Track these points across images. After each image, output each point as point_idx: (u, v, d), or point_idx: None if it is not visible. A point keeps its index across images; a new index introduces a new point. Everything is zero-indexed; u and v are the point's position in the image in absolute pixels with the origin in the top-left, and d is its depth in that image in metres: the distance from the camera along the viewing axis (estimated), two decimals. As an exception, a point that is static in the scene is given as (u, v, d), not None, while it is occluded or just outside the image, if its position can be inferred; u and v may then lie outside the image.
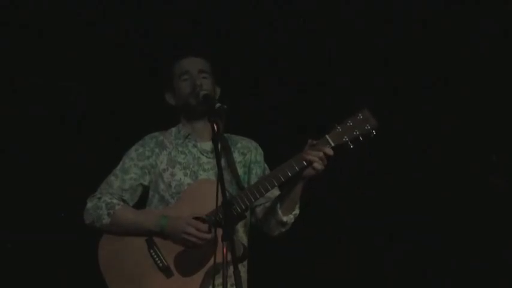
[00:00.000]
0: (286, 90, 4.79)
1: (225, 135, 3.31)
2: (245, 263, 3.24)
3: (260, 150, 3.40)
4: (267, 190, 3.07)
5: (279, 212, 3.15)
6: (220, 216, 2.96)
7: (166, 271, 3.08)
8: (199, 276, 3.05)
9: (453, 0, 4.64)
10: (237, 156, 3.30)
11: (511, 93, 4.69)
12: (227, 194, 2.83)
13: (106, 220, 3.18)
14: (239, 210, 3.05)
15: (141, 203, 3.33)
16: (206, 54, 3.37)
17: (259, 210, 3.28)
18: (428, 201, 4.74)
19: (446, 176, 4.74)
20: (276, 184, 3.07)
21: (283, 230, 3.22)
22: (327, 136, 3.04)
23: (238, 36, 4.67)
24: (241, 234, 3.23)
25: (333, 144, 3.03)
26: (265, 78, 4.77)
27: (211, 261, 2.97)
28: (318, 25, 4.71)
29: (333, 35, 4.74)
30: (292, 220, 3.20)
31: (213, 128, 2.90)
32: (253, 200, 3.07)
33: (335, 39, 4.74)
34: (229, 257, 2.65)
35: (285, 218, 3.16)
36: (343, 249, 4.80)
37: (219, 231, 2.92)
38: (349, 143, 3.04)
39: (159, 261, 3.09)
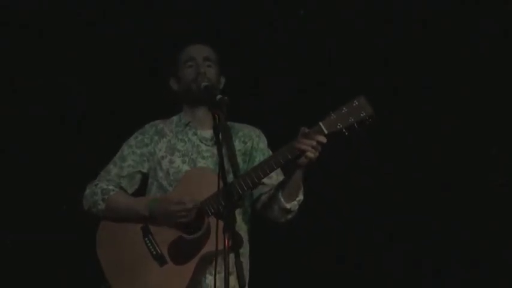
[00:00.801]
0: (286, 90, 4.78)
1: (228, 123, 3.29)
2: (245, 252, 3.25)
3: (263, 138, 3.39)
4: (260, 178, 3.06)
5: (281, 199, 3.14)
6: (215, 206, 2.98)
7: (160, 259, 3.11)
8: (192, 264, 3.06)
9: (453, 0, 4.64)
10: (237, 145, 3.30)
11: (511, 94, 4.68)
12: (221, 183, 2.82)
13: (101, 206, 3.22)
14: (232, 199, 3.03)
15: (142, 191, 3.34)
16: (213, 43, 3.38)
17: (264, 198, 3.27)
18: (428, 201, 4.73)
19: (446, 175, 4.73)
20: (269, 172, 3.05)
21: (289, 216, 3.21)
22: (321, 123, 3.01)
23: (238, 35, 4.67)
24: (239, 222, 3.21)
25: (326, 132, 2.99)
26: (265, 78, 4.76)
27: (205, 249, 3.01)
28: (317, 25, 4.71)
29: (333, 34, 4.73)
30: (297, 206, 3.19)
31: (215, 118, 2.90)
32: (245, 188, 3.06)
33: (335, 39, 4.73)
34: (220, 246, 2.65)
35: (288, 205, 3.15)
36: (344, 242, 4.79)
37: (213, 220, 2.95)
38: (344, 130, 2.99)
39: (152, 249, 3.12)
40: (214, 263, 2.95)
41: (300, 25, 4.75)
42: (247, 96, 4.60)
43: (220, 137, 2.85)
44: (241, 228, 3.23)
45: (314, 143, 2.97)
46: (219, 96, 2.98)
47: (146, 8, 4.66)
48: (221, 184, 2.75)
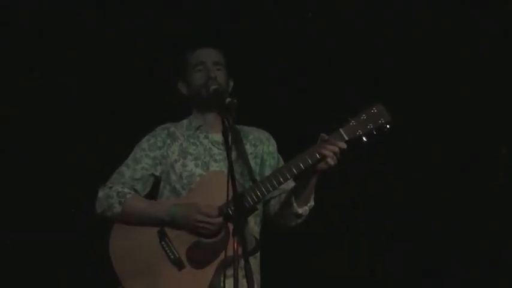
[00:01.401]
0: (286, 90, 4.79)
1: (237, 126, 3.30)
2: (257, 255, 3.24)
3: (273, 141, 3.40)
4: (280, 183, 3.07)
5: (294, 204, 3.15)
6: (231, 210, 2.97)
7: (177, 263, 3.09)
8: (211, 269, 3.04)
9: (453, 0, 4.64)
10: (248, 148, 3.30)
11: (509, 93, 4.69)
12: (239, 187, 2.84)
13: (117, 209, 3.18)
14: (251, 203, 3.05)
15: (153, 195, 3.32)
16: (221, 47, 3.37)
17: (274, 203, 3.28)
18: (428, 201, 4.73)
19: (446, 176, 4.73)
20: (289, 177, 3.07)
21: (299, 221, 3.23)
22: (341, 130, 3.03)
23: (239, 35, 4.67)
24: (252, 225, 3.22)
25: (347, 138, 3.02)
26: (268, 78, 4.76)
27: (223, 254, 2.99)
28: (319, 25, 4.72)
29: (334, 34, 4.74)
30: (308, 212, 3.20)
31: (224, 122, 2.91)
32: (265, 193, 3.07)
33: (335, 39, 4.74)
34: (240, 250, 2.65)
35: (300, 210, 3.16)
36: (351, 246, 4.79)
37: (231, 224, 2.95)
38: (363, 137, 3.03)
39: (170, 253, 3.09)
40: (230, 267, 2.91)
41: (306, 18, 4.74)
42: (254, 95, 4.59)
43: (229, 140, 2.85)
44: (254, 231, 3.23)
45: (336, 149, 2.99)
46: (228, 100, 2.99)
47: (146, 7, 4.66)
48: (231, 187, 2.75)
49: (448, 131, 4.70)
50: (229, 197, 2.80)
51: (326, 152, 2.99)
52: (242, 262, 2.68)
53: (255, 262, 3.23)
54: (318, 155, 3.01)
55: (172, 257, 3.09)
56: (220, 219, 3.02)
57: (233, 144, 3.15)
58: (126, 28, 4.66)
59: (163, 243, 3.11)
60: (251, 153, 3.30)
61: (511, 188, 4.67)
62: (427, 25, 4.67)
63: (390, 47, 4.70)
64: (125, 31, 4.66)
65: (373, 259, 4.79)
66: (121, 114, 4.68)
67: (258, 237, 3.24)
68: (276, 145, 3.40)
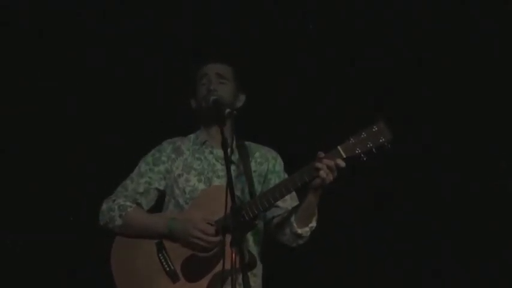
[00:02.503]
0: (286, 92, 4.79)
1: (246, 143, 3.34)
2: (258, 272, 3.25)
3: (280, 160, 3.40)
4: (276, 199, 3.06)
5: (294, 224, 3.15)
6: (229, 222, 2.94)
7: (173, 275, 3.11)
8: (205, 282, 3.06)
9: (453, 0, 4.64)
10: (253, 166, 3.31)
11: (509, 93, 4.69)
12: (238, 201, 2.84)
13: (118, 222, 3.23)
14: (246, 218, 3.04)
15: (159, 209, 3.36)
16: (229, 61, 3.39)
17: (276, 221, 3.28)
18: (428, 201, 4.73)
19: (447, 176, 4.73)
20: (285, 193, 3.06)
21: (301, 242, 3.22)
22: (339, 147, 3.02)
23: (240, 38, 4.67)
24: (251, 243, 3.24)
25: (344, 156, 3.01)
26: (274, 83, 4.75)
27: (218, 267, 3.00)
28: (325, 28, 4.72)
29: (337, 38, 4.74)
30: (309, 233, 3.19)
31: (223, 133, 2.92)
32: (260, 209, 3.06)
33: (340, 44, 4.74)
34: (237, 264, 2.63)
35: (299, 230, 3.15)
36: (342, 241, 4.78)
37: (227, 238, 2.92)
38: (362, 155, 3.01)
39: (166, 266, 3.12)
40: (227, 281, 2.94)
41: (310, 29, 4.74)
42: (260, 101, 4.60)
43: (230, 153, 2.85)
44: (252, 248, 3.24)
45: (331, 163, 2.97)
46: (227, 111, 3.05)
47: (147, 8, 4.66)
48: (229, 200, 2.75)
49: (448, 131, 4.70)
50: (228, 210, 2.79)
51: (320, 165, 2.98)
52: (240, 277, 2.67)
53: (256, 280, 3.25)
54: (312, 172, 3.00)
55: (168, 269, 3.12)
56: (217, 239, 3.03)
57: (239, 160, 3.21)
58: (126, 27, 4.66)
59: (160, 255, 3.15)
60: (255, 171, 3.30)
61: (511, 189, 4.67)
62: (427, 25, 4.67)
63: (390, 47, 4.70)
64: (124, 31, 4.66)
65: (372, 259, 4.78)
66: (122, 114, 4.68)
67: (257, 255, 3.25)
68: (283, 164, 3.40)
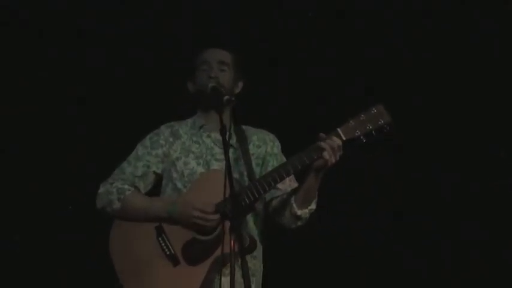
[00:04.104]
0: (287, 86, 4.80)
1: (243, 127, 3.35)
2: (258, 255, 3.25)
3: (277, 143, 3.42)
4: (276, 181, 3.07)
5: (294, 205, 3.15)
6: (228, 209, 2.96)
7: (173, 259, 3.11)
8: (205, 266, 3.06)
9: (453, 0, 4.65)
10: (251, 149, 3.32)
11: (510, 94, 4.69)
12: (237, 185, 2.85)
13: (116, 205, 3.22)
14: (247, 201, 3.06)
15: (156, 192, 3.34)
16: (231, 48, 3.39)
17: (275, 203, 3.28)
18: (428, 201, 4.74)
19: (446, 176, 4.73)
20: (286, 175, 3.07)
21: (299, 223, 3.22)
22: (339, 129, 3.05)
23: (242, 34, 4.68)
24: (251, 225, 3.24)
25: (344, 138, 3.04)
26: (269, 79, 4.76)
27: (218, 251, 3.00)
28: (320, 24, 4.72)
29: (334, 35, 4.74)
30: (308, 215, 3.20)
31: (222, 120, 2.92)
32: (261, 192, 3.08)
33: (339, 39, 4.74)
34: (236, 248, 2.66)
35: (299, 212, 3.16)
36: (342, 241, 4.79)
37: (227, 222, 2.94)
38: (362, 137, 3.04)
39: (166, 249, 3.12)
40: (226, 264, 2.95)
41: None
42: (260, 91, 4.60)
43: (228, 138, 2.86)
44: (252, 230, 3.25)
45: (334, 144, 2.99)
46: (226, 97, 3.05)
47: (147, 6, 4.66)
48: (228, 184, 2.75)
49: (448, 131, 4.70)
50: (226, 195, 2.80)
51: (324, 145, 2.99)
52: (239, 261, 2.69)
53: (255, 263, 3.25)
54: (314, 153, 3.01)
55: (168, 252, 3.12)
56: (216, 216, 3.04)
57: (237, 144, 3.21)
58: (126, 27, 4.66)
59: (160, 239, 3.14)
60: (253, 154, 3.31)
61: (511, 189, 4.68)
62: (427, 25, 4.67)
63: (390, 47, 4.70)
64: (125, 30, 4.66)
65: (372, 259, 4.78)
66: (122, 114, 4.68)
67: (257, 237, 3.25)
68: (280, 147, 3.41)
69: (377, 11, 4.68)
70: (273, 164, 3.31)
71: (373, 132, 3.05)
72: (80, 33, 4.63)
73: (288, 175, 3.08)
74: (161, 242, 3.14)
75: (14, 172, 4.63)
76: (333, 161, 3.02)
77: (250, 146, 3.32)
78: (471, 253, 4.66)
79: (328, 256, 4.74)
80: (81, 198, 4.41)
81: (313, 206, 3.20)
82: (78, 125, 4.68)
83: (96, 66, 4.68)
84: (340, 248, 4.76)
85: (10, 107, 4.62)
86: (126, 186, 3.25)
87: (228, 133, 2.91)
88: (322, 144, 3.00)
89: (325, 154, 2.99)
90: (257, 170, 3.29)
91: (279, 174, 3.06)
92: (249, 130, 3.39)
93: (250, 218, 3.24)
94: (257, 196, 3.08)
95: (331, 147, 2.99)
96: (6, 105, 4.62)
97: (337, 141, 3.01)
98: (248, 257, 3.02)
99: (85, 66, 4.67)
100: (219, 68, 3.30)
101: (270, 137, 3.42)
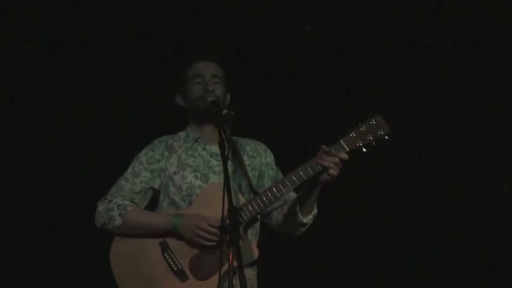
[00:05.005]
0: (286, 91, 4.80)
1: (233, 138, 3.30)
2: (255, 266, 3.25)
3: (269, 152, 3.42)
4: (282, 194, 3.11)
5: (299, 214, 3.17)
6: (229, 222, 2.92)
7: (181, 275, 3.09)
8: (215, 279, 2.97)
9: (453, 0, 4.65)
10: (246, 160, 3.31)
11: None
12: (240, 200, 2.88)
13: (118, 221, 3.19)
14: (246, 219, 3.10)
15: (150, 209, 3.32)
16: (220, 59, 3.39)
17: (277, 214, 3.29)
18: (428, 201, 4.74)
19: (447, 176, 4.74)
20: (291, 187, 3.10)
21: (304, 230, 3.25)
22: (342, 141, 3.07)
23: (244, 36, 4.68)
24: (250, 237, 3.24)
25: (347, 149, 3.06)
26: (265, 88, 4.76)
27: (227, 265, 2.97)
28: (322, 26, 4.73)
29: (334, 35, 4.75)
30: (312, 220, 3.22)
31: (221, 134, 2.91)
32: (268, 204, 3.11)
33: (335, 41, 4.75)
34: (235, 262, 2.64)
35: (305, 220, 3.18)
36: (341, 240, 4.79)
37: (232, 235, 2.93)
38: (363, 148, 3.07)
39: (173, 265, 3.10)
40: (232, 278, 2.92)
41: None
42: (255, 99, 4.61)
43: (226, 152, 2.85)
44: (251, 242, 3.24)
45: (337, 160, 3.02)
46: (225, 111, 3.02)
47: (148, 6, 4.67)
48: (228, 198, 2.73)
49: (448, 132, 4.71)
50: (227, 209, 2.77)
51: (328, 164, 3.02)
52: (237, 274, 2.65)
53: (253, 274, 3.24)
54: (319, 166, 3.04)
55: (175, 268, 3.10)
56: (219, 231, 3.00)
57: (232, 156, 3.21)
58: (126, 27, 4.66)
59: (165, 254, 3.12)
60: (249, 165, 3.31)
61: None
62: (429, 25, 4.68)
63: (390, 47, 4.71)
64: (125, 30, 4.66)
65: (372, 259, 4.79)
66: (122, 114, 4.69)
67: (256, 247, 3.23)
68: (273, 156, 3.42)
69: (377, 11, 4.69)
70: (268, 174, 3.33)
71: (374, 142, 3.08)
72: (80, 33, 4.64)
73: (294, 186, 3.11)
74: (167, 258, 3.11)
75: (14, 172, 4.63)
76: (338, 173, 3.05)
77: (245, 157, 3.32)
78: (471, 253, 4.67)
79: (326, 256, 4.74)
80: (81, 198, 4.43)
81: (315, 211, 3.22)
82: (78, 124, 4.68)
83: (96, 66, 4.67)
84: (338, 248, 4.77)
85: (10, 107, 4.62)
86: (126, 202, 3.22)
87: (227, 146, 2.90)
88: (326, 163, 3.02)
89: (332, 171, 3.02)
90: (254, 181, 3.30)
91: (284, 186, 3.09)
92: (240, 140, 3.38)
93: (248, 231, 3.23)
94: (259, 211, 3.12)
95: (335, 164, 3.02)
96: (6, 105, 4.61)
97: (339, 156, 3.03)
98: (248, 269, 3.09)
99: (85, 66, 4.66)
100: (212, 81, 3.30)
101: (262, 146, 3.42)
